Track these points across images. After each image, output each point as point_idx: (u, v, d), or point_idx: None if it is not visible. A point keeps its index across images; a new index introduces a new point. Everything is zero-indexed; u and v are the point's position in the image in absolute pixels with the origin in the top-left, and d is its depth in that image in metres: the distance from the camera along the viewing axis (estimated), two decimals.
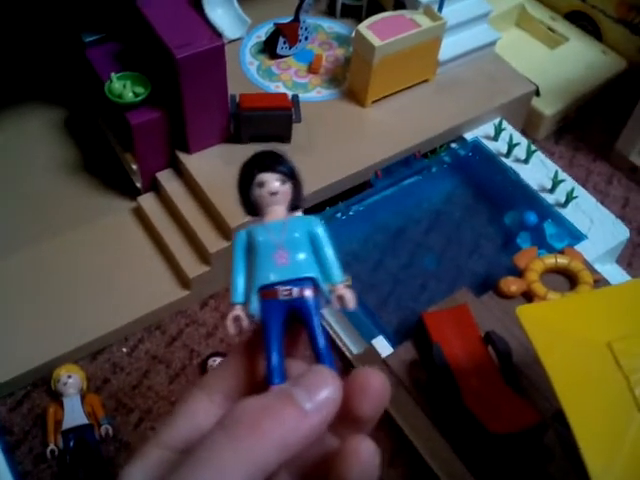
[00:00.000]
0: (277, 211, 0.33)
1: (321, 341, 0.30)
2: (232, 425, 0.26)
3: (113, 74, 0.71)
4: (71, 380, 0.64)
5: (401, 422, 0.65)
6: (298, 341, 0.31)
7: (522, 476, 0.56)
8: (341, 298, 0.32)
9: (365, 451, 0.27)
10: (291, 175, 0.33)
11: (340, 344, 0.70)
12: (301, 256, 0.31)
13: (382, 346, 0.64)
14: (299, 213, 0.34)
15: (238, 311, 0.31)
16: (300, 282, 0.31)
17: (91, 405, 0.64)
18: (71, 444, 0.61)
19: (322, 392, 0.27)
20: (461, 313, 0.64)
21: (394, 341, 0.64)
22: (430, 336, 0.62)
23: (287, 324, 0.30)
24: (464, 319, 0.64)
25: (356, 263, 0.74)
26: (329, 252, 0.32)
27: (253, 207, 0.33)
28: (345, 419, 0.28)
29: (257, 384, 0.30)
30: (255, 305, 0.31)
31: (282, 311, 0.30)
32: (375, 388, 0.29)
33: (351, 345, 0.69)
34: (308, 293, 0.31)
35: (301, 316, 0.30)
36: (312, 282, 0.31)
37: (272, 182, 0.33)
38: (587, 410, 0.46)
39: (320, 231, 0.32)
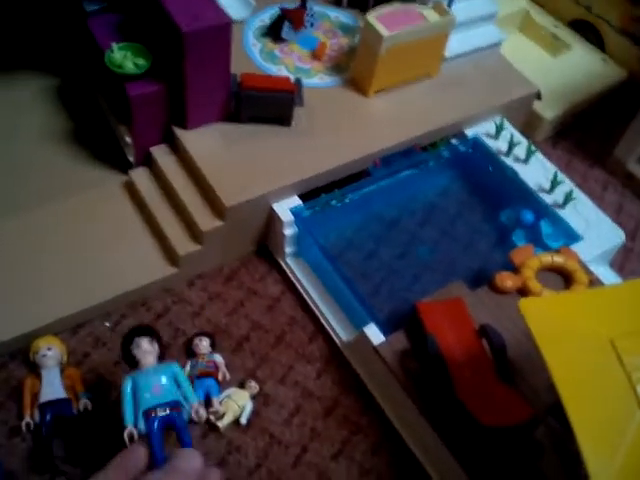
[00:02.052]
0: (149, 360, 0.56)
1: (186, 440, 0.54)
2: None
3: (114, 44, 0.69)
4: (50, 352, 0.62)
5: (388, 410, 0.64)
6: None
7: (512, 470, 0.55)
8: (196, 412, 0.56)
9: None
10: (158, 338, 0.58)
11: (330, 331, 0.69)
12: (168, 387, 0.54)
13: (373, 334, 0.63)
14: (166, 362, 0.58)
15: (131, 429, 0.53)
16: (169, 403, 0.54)
17: (71, 378, 0.62)
18: (48, 418, 0.59)
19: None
20: (456, 305, 0.63)
21: (386, 330, 0.63)
22: (424, 326, 0.61)
23: (163, 431, 0.53)
24: (459, 311, 0.63)
25: (349, 251, 0.72)
26: (185, 384, 0.56)
27: (133, 360, 0.56)
28: None
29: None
30: (142, 423, 0.53)
31: (160, 423, 0.53)
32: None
33: (341, 332, 0.68)
34: (174, 410, 0.54)
35: (172, 425, 0.54)
36: (177, 403, 0.55)
37: (144, 344, 0.57)
38: (588, 406, 0.45)
39: (178, 371, 0.56)
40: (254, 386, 0.64)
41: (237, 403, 0.63)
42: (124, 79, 0.69)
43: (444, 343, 0.60)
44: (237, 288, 0.72)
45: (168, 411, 0.53)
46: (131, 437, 0.53)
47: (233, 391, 0.64)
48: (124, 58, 0.69)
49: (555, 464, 0.54)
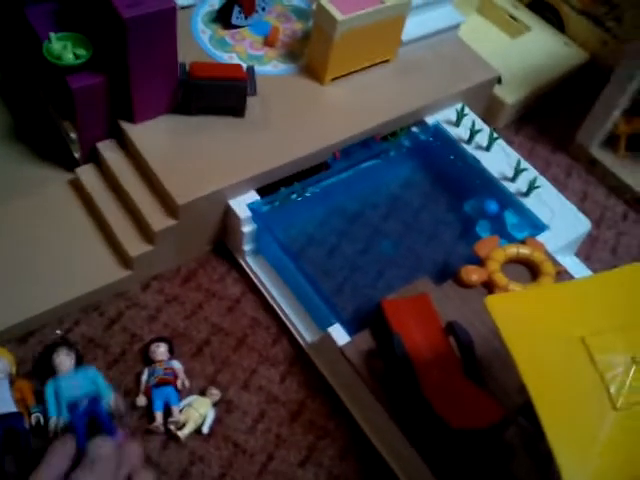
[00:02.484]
0: (67, 367, 0.60)
1: (107, 426, 0.57)
2: None
3: (52, 34, 0.65)
4: None
5: (356, 413, 0.62)
6: None
7: (482, 473, 0.54)
8: (115, 404, 0.59)
9: None
10: (76, 351, 0.62)
11: (294, 332, 0.66)
12: (87, 384, 0.59)
13: (338, 334, 0.61)
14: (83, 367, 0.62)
15: (55, 418, 0.58)
16: (88, 394, 0.58)
17: (20, 391, 0.59)
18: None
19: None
20: (422, 302, 0.61)
21: (351, 329, 0.61)
22: (390, 325, 0.59)
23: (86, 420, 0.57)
24: (425, 308, 0.61)
25: (311, 247, 0.70)
26: (101, 383, 0.60)
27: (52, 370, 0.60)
28: None
29: None
30: (66, 413, 0.57)
31: (83, 412, 0.57)
32: None
33: (305, 333, 0.65)
34: (95, 401, 0.58)
35: (94, 415, 0.57)
36: (96, 393, 0.59)
37: (63, 354, 0.61)
38: (559, 407, 0.44)
39: (95, 373, 0.60)
40: (216, 393, 0.61)
41: (198, 411, 0.60)
42: (64, 71, 0.65)
43: (410, 342, 0.58)
44: (195, 290, 0.69)
45: (86, 402, 0.58)
46: (55, 426, 0.57)
47: (194, 399, 0.61)
48: (63, 49, 0.65)
49: (527, 465, 0.53)
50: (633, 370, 0.44)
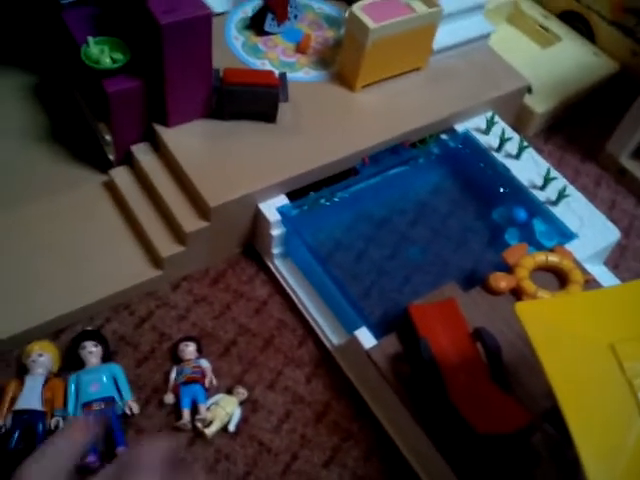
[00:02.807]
0: (93, 361, 0.61)
1: (118, 435, 0.58)
2: None
3: (90, 38, 0.67)
4: (41, 359, 0.61)
5: (380, 416, 0.62)
6: None
7: (507, 478, 0.54)
8: (130, 408, 0.60)
9: None
10: (103, 341, 0.63)
11: (320, 334, 0.67)
12: (106, 384, 0.60)
13: (365, 338, 0.61)
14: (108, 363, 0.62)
15: (61, 417, 0.59)
16: (104, 399, 0.59)
17: (52, 390, 0.60)
18: (18, 429, 0.57)
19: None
20: (449, 307, 0.62)
21: (377, 333, 0.61)
22: (417, 330, 0.59)
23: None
24: (452, 314, 0.61)
25: (339, 251, 0.70)
26: (123, 382, 0.61)
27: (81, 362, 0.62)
28: None
29: None
30: (80, 414, 0.58)
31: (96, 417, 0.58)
32: None
33: (332, 335, 0.66)
34: (108, 405, 0.59)
35: (106, 418, 0.59)
36: (112, 399, 0.60)
37: (90, 346, 0.62)
38: (587, 413, 0.43)
39: (118, 371, 0.62)
40: (242, 392, 0.62)
41: (225, 410, 0.61)
42: (101, 75, 0.66)
43: (437, 347, 0.58)
44: (224, 290, 0.70)
45: (103, 406, 0.59)
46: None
47: (220, 397, 0.62)
48: (101, 53, 0.67)
49: (551, 472, 0.53)
50: None
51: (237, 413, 0.61)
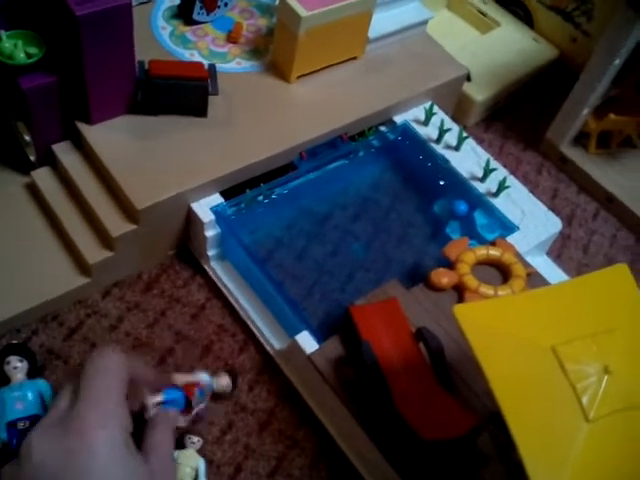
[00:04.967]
0: (18, 377, 0.57)
1: None
2: None
3: (3, 32, 0.62)
4: None
5: (326, 423, 0.60)
6: None
7: None
8: None
9: None
10: (29, 356, 0.59)
11: (261, 339, 0.64)
12: (32, 402, 0.56)
13: (306, 342, 0.59)
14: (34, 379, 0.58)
15: None
16: (30, 417, 0.55)
17: None
18: None
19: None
20: (391, 307, 0.60)
21: (319, 336, 0.59)
22: (359, 332, 0.57)
23: None
24: (394, 314, 0.59)
25: (278, 251, 0.68)
26: (49, 398, 0.57)
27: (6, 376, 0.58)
28: None
29: None
30: (4, 433, 0.55)
31: (21, 436, 0.53)
32: None
33: (273, 340, 0.63)
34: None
35: None
36: (38, 417, 0.55)
37: (15, 361, 0.58)
38: (531, 419, 0.42)
39: (45, 387, 0.57)
40: (196, 440, 0.57)
41: (189, 466, 0.56)
42: (16, 71, 0.62)
43: (380, 349, 0.57)
44: (158, 296, 0.67)
45: (28, 424, 0.55)
46: None
47: (177, 455, 0.56)
48: (14, 47, 0.62)
49: (499, 473, 0.52)
50: (605, 380, 0.43)
51: (202, 464, 0.56)
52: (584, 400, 0.42)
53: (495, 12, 0.94)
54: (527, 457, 0.41)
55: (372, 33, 0.77)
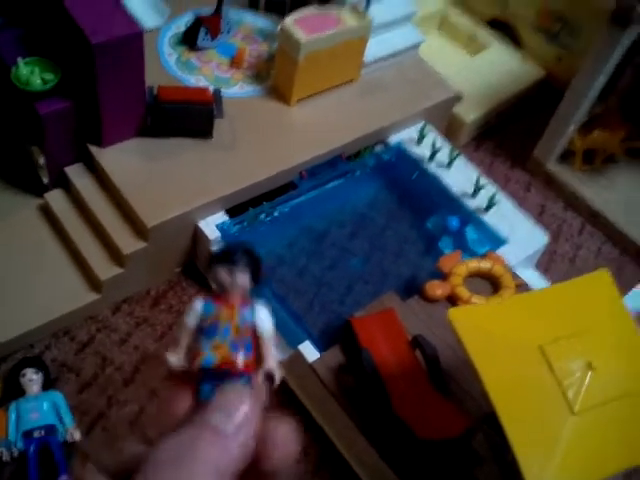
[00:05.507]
0: (33, 389, 0.61)
1: (59, 460, 0.58)
2: (152, 470, 0.25)
3: (20, 59, 0.66)
4: None
5: (327, 429, 0.63)
6: None
7: None
8: (71, 435, 0.60)
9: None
10: (44, 368, 0.62)
11: None
12: (46, 412, 0.60)
13: (309, 352, 0.62)
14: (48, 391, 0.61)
15: (6, 450, 0.58)
16: (45, 427, 0.59)
17: None
18: None
19: (238, 411, 0.28)
20: (388, 317, 0.63)
21: (320, 346, 0.63)
22: (359, 341, 0.61)
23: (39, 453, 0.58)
24: (391, 323, 0.63)
25: (281, 266, 0.71)
26: (64, 410, 0.60)
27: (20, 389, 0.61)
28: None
29: None
30: (20, 442, 0.58)
31: (36, 445, 0.58)
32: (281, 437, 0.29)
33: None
34: (49, 433, 0.59)
35: (48, 446, 0.59)
36: (52, 427, 0.59)
37: (30, 374, 0.62)
38: (521, 414, 0.46)
39: (59, 398, 0.61)
40: None
41: None
42: (32, 97, 0.65)
43: (379, 357, 0.60)
44: (165, 312, 0.70)
45: (43, 433, 0.59)
46: (10, 454, 0.59)
47: None
48: (31, 74, 0.66)
49: (494, 472, 0.55)
50: (589, 375, 0.46)
51: None
52: (569, 394, 0.46)
53: (484, 34, 0.98)
54: (519, 451, 0.44)
55: (367, 57, 0.80)
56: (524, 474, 0.44)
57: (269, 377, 0.32)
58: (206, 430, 0.27)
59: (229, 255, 0.32)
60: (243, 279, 0.32)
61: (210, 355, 0.30)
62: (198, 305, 0.31)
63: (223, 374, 0.30)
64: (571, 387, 0.47)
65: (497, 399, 0.46)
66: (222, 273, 0.31)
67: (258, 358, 0.31)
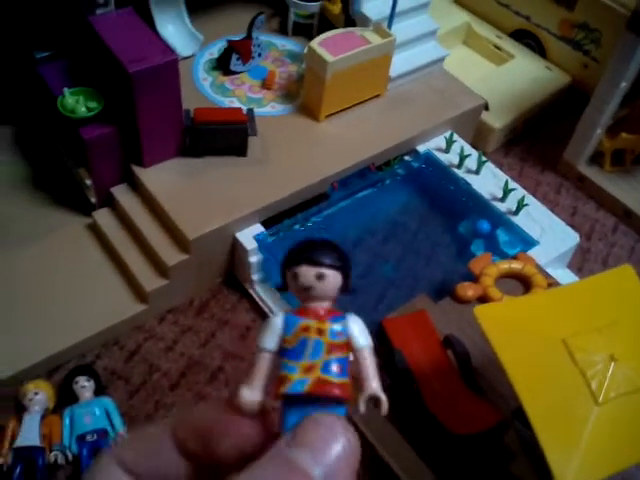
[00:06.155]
0: (86, 395, 0.64)
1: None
2: None
3: (66, 89, 0.70)
4: (37, 397, 0.63)
5: (363, 428, 0.64)
6: None
7: (485, 476, 0.57)
8: (122, 438, 0.62)
9: None
10: (95, 376, 0.66)
11: None
12: (98, 417, 0.63)
13: None
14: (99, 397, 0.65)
15: (59, 451, 0.61)
16: (97, 431, 0.62)
17: (49, 426, 0.63)
18: (19, 464, 0.60)
19: (330, 450, 0.23)
20: (420, 318, 0.65)
21: None
22: (391, 342, 0.63)
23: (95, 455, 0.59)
24: (423, 324, 0.64)
25: None
26: (114, 414, 0.64)
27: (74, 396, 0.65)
28: None
29: None
30: (74, 446, 0.62)
31: (89, 448, 0.61)
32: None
33: None
34: (102, 436, 0.62)
35: (101, 449, 0.60)
36: (104, 431, 0.63)
37: (82, 381, 0.65)
38: (546, 405, 0.47)
39: (109, 404, 0.64)
40: None
41: None
42: (77, 123, 0.70)
43: (411, 356, 0.62)
44: (208, 320, 0.73)
45: (96, 437, 0.62)
46: (63, 457, 0.61)
47: None
48: (76, 103, 0.70)
49: (526, 466, 0.56)
50: (612, 366, 0.47)
51: None
52: (593, 385, 0.47)
53: (509, 45, 1.00)
54: (545, 442, 0.45)
55: (393, 72, 0.83)
56: (550, 465, 0.45)
57: (375, 402, 0.26)
58: (294, 474, 0.23)
59: (315, 252, 0.25)
60: (334, 283, 0.26)
61: (299, 379, 0.24)
62: (278, 321, 0.25)
63: (314, 401, 0.24)
64: (594, 378, 0.47)
65: (522, 392, 0.47)
66: (308, 275, 0.25)
67: (354, 381, 0.26)
